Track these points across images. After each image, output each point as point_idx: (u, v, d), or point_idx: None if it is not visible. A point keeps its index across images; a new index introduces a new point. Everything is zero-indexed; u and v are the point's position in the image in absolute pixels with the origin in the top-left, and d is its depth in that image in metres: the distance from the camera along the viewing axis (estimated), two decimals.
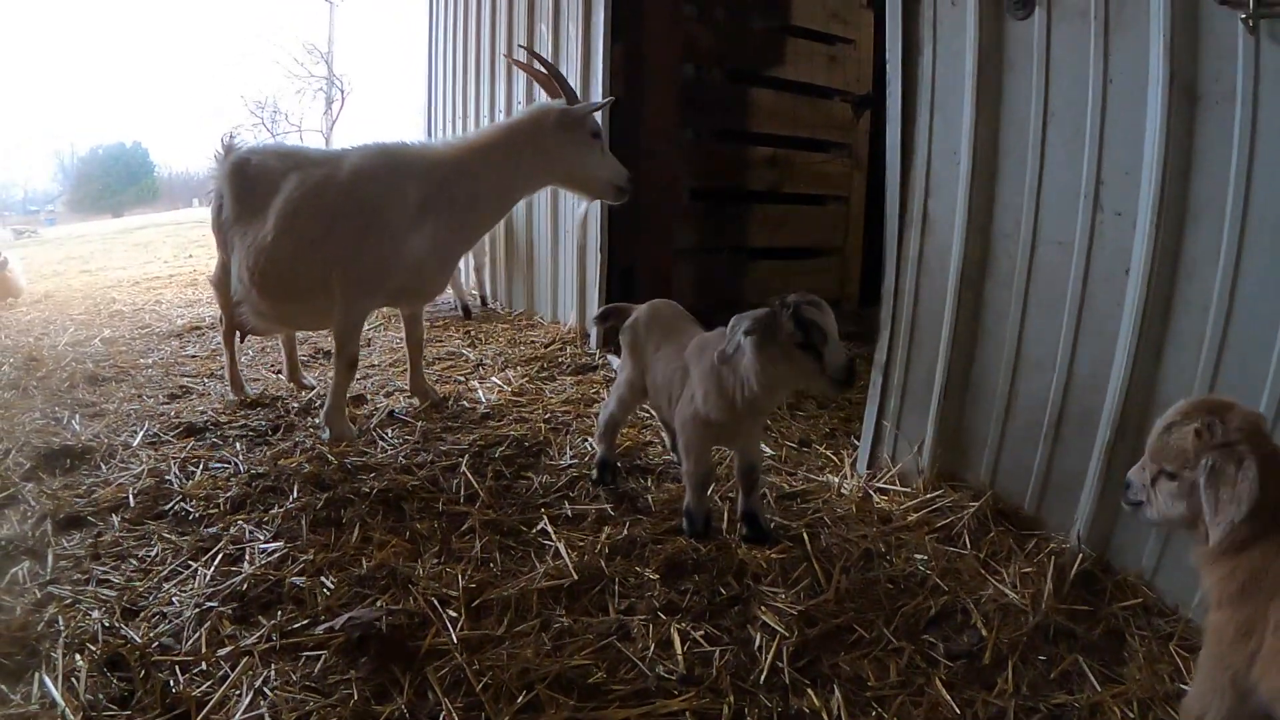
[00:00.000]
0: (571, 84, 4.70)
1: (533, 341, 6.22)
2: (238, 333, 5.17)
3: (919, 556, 3.08)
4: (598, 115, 4.36)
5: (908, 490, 3.60)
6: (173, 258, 16.37)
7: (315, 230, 4.31)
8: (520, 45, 5.16)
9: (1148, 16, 2.70)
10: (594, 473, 3.75)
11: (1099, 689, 2.39)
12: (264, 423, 4.72)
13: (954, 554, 3.11)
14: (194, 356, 6.66)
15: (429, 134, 10.36)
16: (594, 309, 5.86)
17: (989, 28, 3.25)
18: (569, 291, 6.51)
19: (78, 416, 5.02)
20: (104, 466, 4.19)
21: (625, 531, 3.27)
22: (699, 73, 6.52)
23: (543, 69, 4.62)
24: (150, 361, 6.47)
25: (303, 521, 3.38)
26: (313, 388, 5.38)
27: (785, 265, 7.19)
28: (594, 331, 3.87)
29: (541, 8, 6.93)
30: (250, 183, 4.60)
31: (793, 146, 7.23)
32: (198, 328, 7.79)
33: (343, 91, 35.04)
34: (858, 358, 2.81)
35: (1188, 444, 1.94)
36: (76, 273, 13.71)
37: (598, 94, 5.78)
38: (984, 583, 2.92)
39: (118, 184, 54.14)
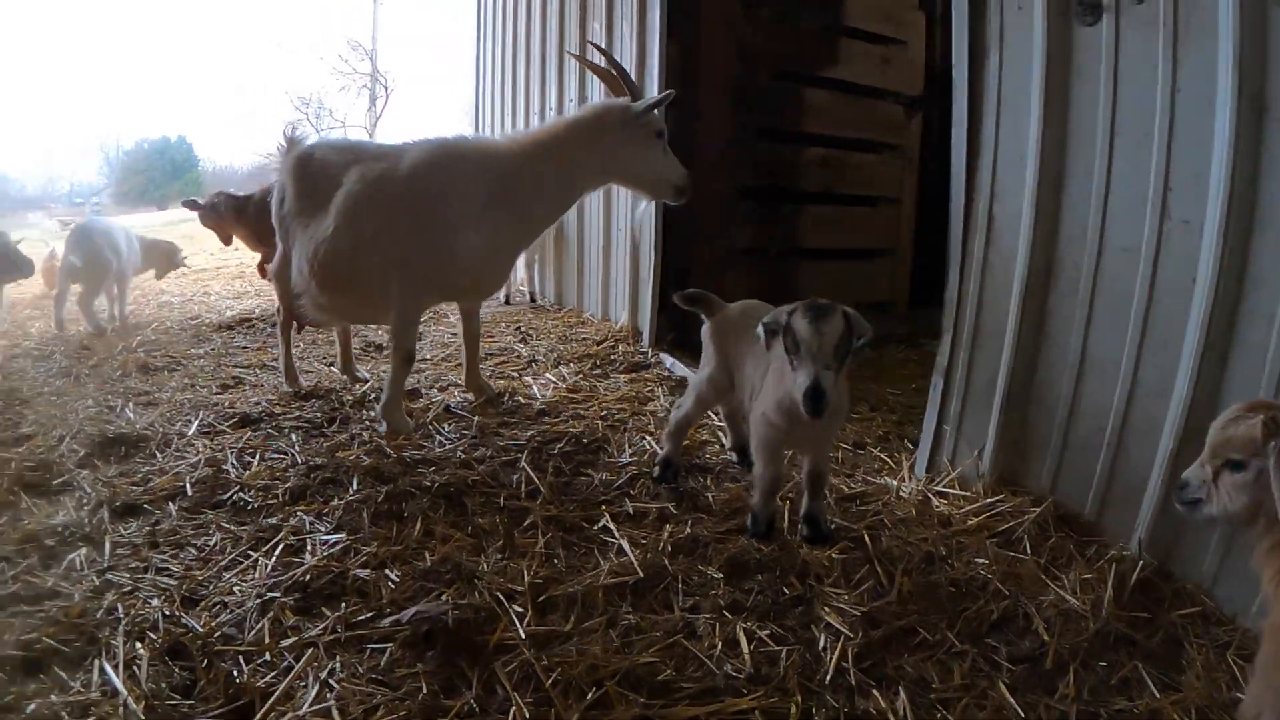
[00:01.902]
0: None
1: (584, 339, 6.23)
2: (294, 324, 5.22)
3: (980, 560, 3.05)
4: (660, 114, 4.32)
5: (967, 494, 3.56)
6: (219, 250, 16.49)
7: (375, 224, 4.33)
8: (590, 42, 5.13)
9: (1216, 27, 2.66)
10: (656, 470, 3.72)
11: (1158, 696, 2.37)
12: (319, 414, 4.74)
13: (1014, 559, 3.08)
14: (244, 348, 6.73)
15: (477, 130, 10.42)
16: (647, 308, 5.87)
17: (1057, 33, 3.21)
18: (621, 290, 6.52)
19: (131, 405, 5.07)
20: (159, 455, 4.21)
21: (688, 530, 3.25)
22: (751, 72, 6.50)
23: (608, 66, 4.61)
24: (202, 352, 6.54)
25: (364, 514, 3.38)
26: (366, 380, 5.40)
27: (837, 267, 7.15)
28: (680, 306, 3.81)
29: (594, 6, 6.95)
30: (313, 176, 4.64)
31: (845, 147, 7.19)
32: (247, 320, 7.88)
33: (387, 88, 35.19)
34: (823, 384, 2.71)
35: (1256, 433, 1.95)
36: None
37: (654, 93, 5.78)
38: (1045, 588, 2.89)
39: (162, 177, 54.83)
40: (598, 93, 6.84)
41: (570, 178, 4.41)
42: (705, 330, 3.60)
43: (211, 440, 4.40)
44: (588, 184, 4.59)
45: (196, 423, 4.64)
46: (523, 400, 4.86)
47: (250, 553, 3.16)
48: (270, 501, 3.56)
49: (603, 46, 6.45)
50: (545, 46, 8.05)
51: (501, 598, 2.78)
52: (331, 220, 4.41)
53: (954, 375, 3.75)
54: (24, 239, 7.33)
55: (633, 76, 5.81)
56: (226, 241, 8.41)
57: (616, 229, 6.62)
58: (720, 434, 4.22)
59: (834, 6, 7.05)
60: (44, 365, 6.58)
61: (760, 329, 2.89)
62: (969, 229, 3.64)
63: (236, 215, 8.45)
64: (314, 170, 4.66)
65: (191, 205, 8.50)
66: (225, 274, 12.32)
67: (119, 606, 2.81)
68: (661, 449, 3.82)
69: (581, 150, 4.32)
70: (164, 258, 9.29)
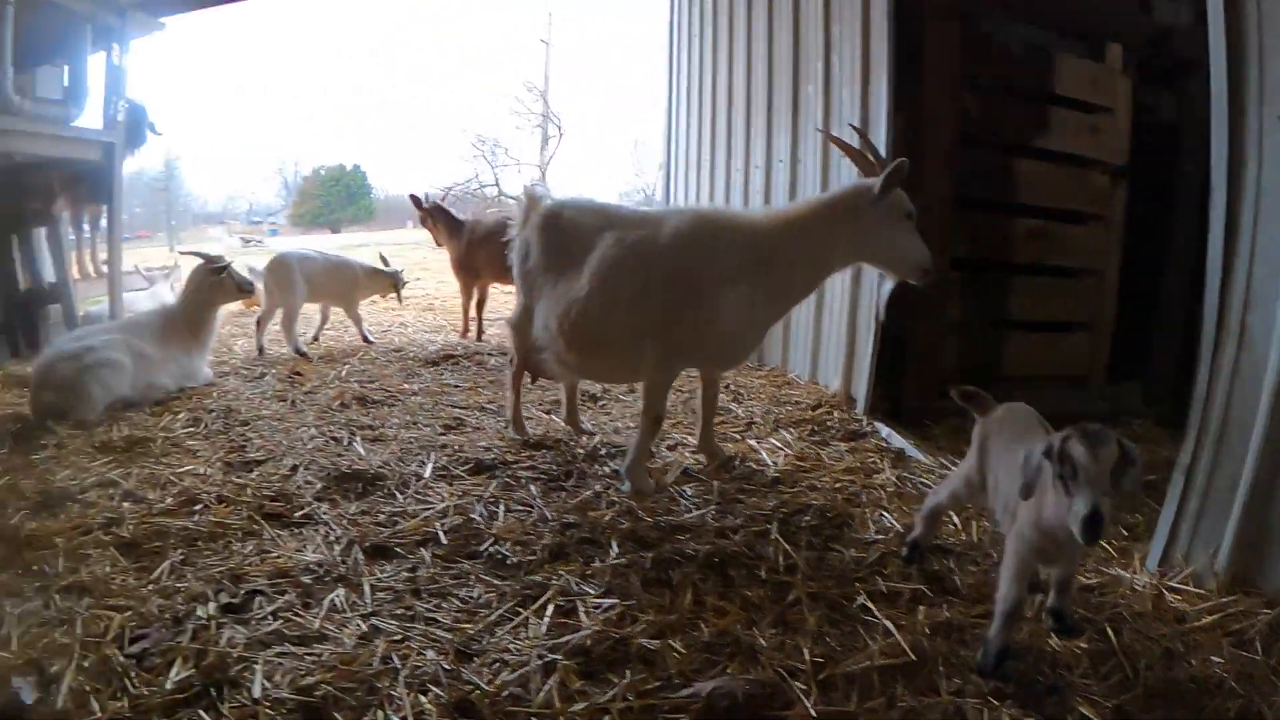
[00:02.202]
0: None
1: (796, 401, 6.26)
2: (527, 374, 5.42)
3: (1215, 659, 3.00)
4: (905, 196, 4.36)
5: (1200, 591, 3.49)
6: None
7: (632, 291, 4.46)
8: (850, 125, 5.19)
9: None
10: (904, 550, 3.72)
11: None
12: (554, 466, 4.86)
13: (1248, 659, 3.02)
14: (456, 386, 6.95)
15: (668, 187, 10.62)
16: (863, 377, 5.88)
17: None
18: (833, 354, 6.52)
19: (358, 439, 5.29)
20: (399, 495, 4.39)
21: (943, 613, 3.27)
22: (969, 142, 6.49)
23: (861, 146, 4.64)
24: (415, 389, 6.78)
25: (632, 579, 3.45)
26: (591, 433, 5.52)
27: (1040, 339, 7.07)
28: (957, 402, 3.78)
29: (808, 70, 7.02)
30: (561, 235, 4.80)
31: (1052, 218, 7.12)
32: (451, 357, 8.16)
33: (559, 128, 35.89)
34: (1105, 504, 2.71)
35: None
36: None
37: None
38: (1277, 689, 2.84)
39: (336, 202, 57.42)
40: (811, 150, 6.93)
41: (824, 256, 4.47)
42: (976, 429, 3.55)
43: (450, 485, 4.55)
44: (840, 262, 4.64)
45: (431, 465, 4.80)
46: (754, 466, 4.91)
47: (518, 609, 3.25)
48: (529, 557, 3.66)
49: (818, 111, 6.57)
50: (751, 105, 8.14)
51: (784, 674, 2.81)
52: (586, 282, 4.55)
53: (1195, 474, 3.67)
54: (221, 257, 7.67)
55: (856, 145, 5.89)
56: (439, 244, 9.86)
57: (830, 293, 6.61)
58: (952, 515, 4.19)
59: (1044, 74, 7.01)
60: (256, 387, 6.93)
61: (1038, 459, 2.87)
62: (1221, 334, 3.60)
63: (449, 233, 9.09)
64: (562, 229, 4.82)
65: (416, 202, 9.95)
66: (414, 305, 12.71)
67: (394, 656, 2.91)
68: (912, 530, 3.79)
69: (836, 229, 4.37)
70: (388, 283, 9.77)
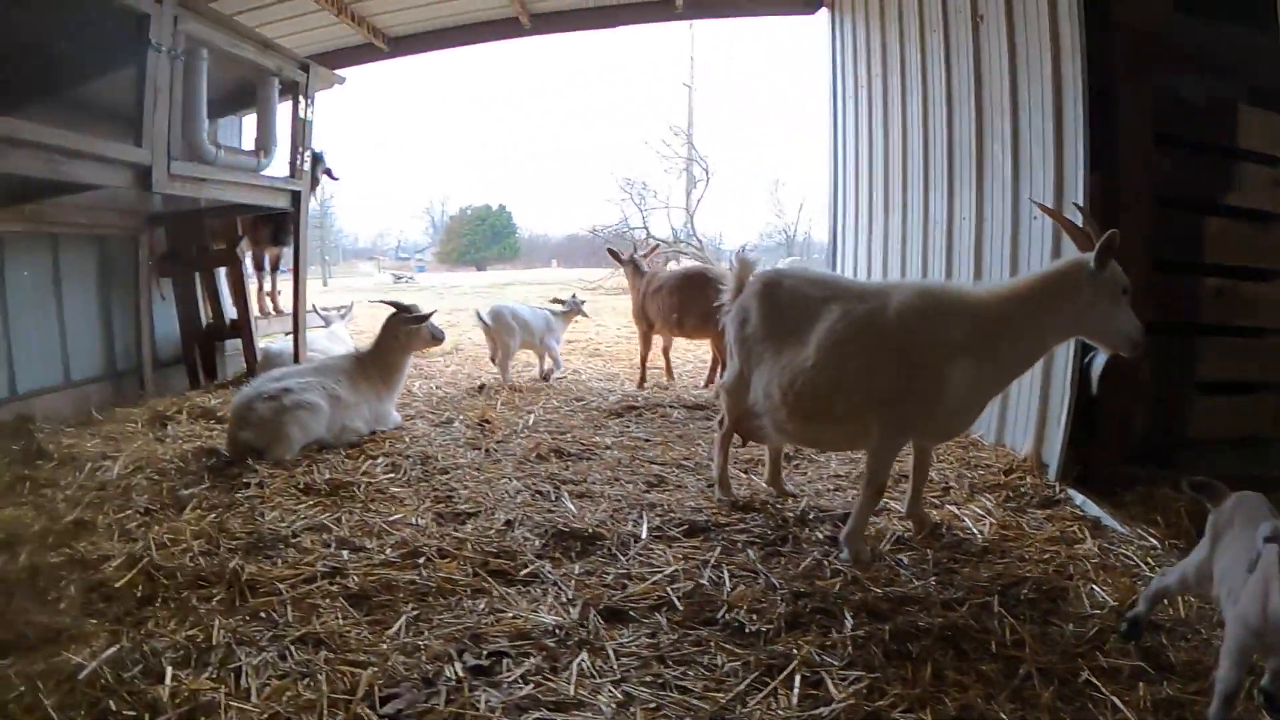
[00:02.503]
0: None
1: (987, 465, 6.23)
2: (736, 436, 5.49)
3: None
4: (1121, 271, 4.37)
5: None
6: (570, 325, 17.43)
7: (859, 364, 4.53)
8: (1075, 204, 5.16)
9: None
10: (1124, 626, 3.68)
11: None
12: (767, 530, 4.91)
13: None
14: (648, 440, 7.05)
15: (835, 241, 10.65)
16: (1056, 442, 5.81)
17: None
18: (1023, 418, 6.46)
19: (565, 494, 5.40)
20: (620, 556, 4.48)
21: (1164, 690, 3.25)
22: (1161, 202, 6.38)
23: (1084, 225, 4.61)
24: (608, 442, 6.90)
25: (874, 651, 3.48)
26: (795, 496, 5.56)
27: (1227, 401, 6.91)
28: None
29: (994, 128, 7.01)
30: (782, 304, 4.90)
31: (1238, 276, 6.96)
32: (633, 408, 8.25)
33: (706, 170, 36.13)
34: None
35: None
36: (471, 326, 14.70)
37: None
38: None
39: (482, 241, 58.95)
40: (998, 209, 6.89)
41: (1043, 331, 4.48)
42: (1210, 519, 3.48)
43: (669, 547, 4.63)
44: (1058, 337, 4.65)
45: (646, 525, 4.89)
46: (960, 534, 4.91)
47: (765, 679, 3.30)
48: (767, 626, 3.69)
49: (1005, 170, 6.53)
50: (929, 161, 8.17)
51: None
52: (811, 353, 4.63)
53: None
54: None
55: (1050, 205, 5.83)
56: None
57: None
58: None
59: (1229, 129, 6.86)
60: (446, 433, 7.11)
61: (1261, 546, 2.84)
62: None
63: (632, 283, 9.37)
64: (783, 298, 4.92)
65: (613, 254, 10.82)
66: (580, 349, 12.91)
67: None
68: (1133, 606, 3.75)
69: (1055, 305, 4.38)
70: (573, 314, 11.15)
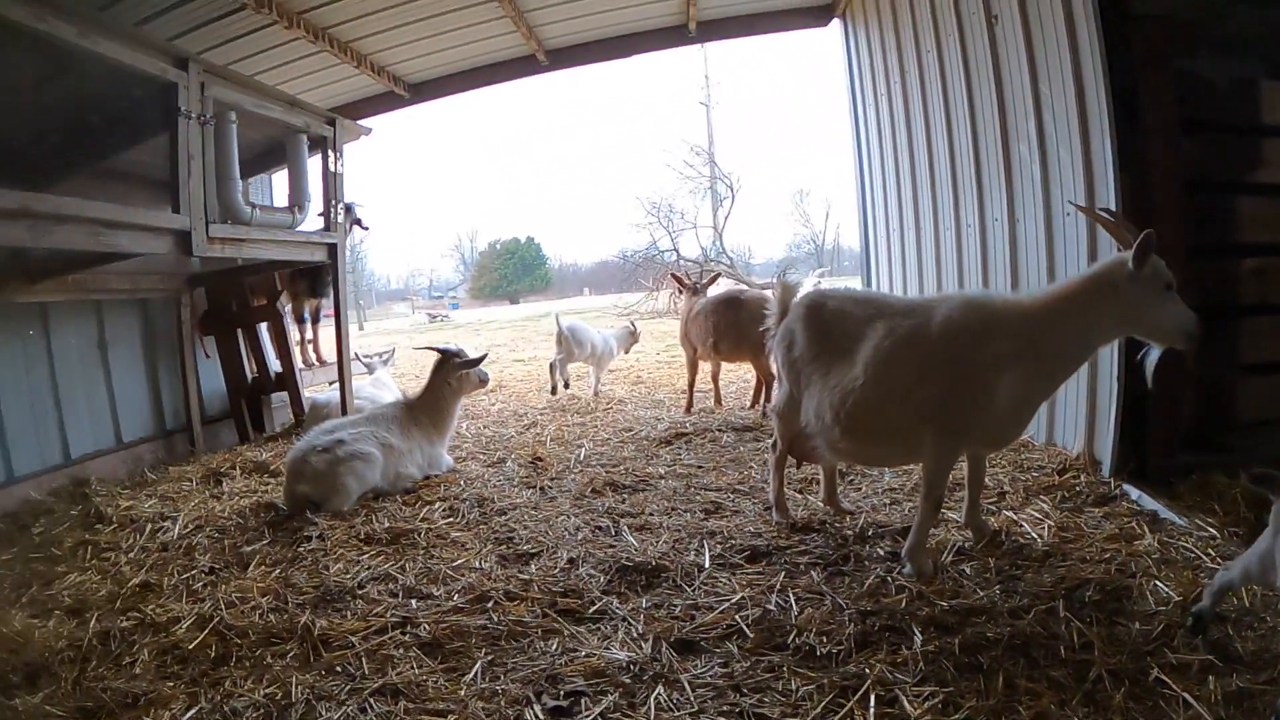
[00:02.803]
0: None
1: (1040, 466, 6.21)
2: (790, 458, 5.53)
3: None
4: (1164, 265, 4.35)
5: None
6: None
7: (908, 380, 4.56)
8: (1101, 208, 5.15)
9: None
10: (1189, 621, 3.69)
11: None
12: (828, 551, 4.93)
13: None
14: (700, 468, 7.06)
15: (866, 248, 10.66)
16: (1108, 438, 5.83)
17: None
18: (1072, 416, 6.46)
19: (625, 528, 5.45)
20: (686, 588, 4.50)
21: (1234, 682, 3.26)
22: (1190, 189, 6.36)
23: (1119, 224, 4.64)
24: (661, 471, 6.92)
25: (946, 665, 3.51)
26: (852, 513, 5.58)
27: (1271, 381, 6.86)
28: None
29: (1019, 129, 7.01)
30: (828, 325, 4.96)
31: (1273, 254, 6.92)
32: (682, 435, 8.28)
33: (731, 188, 36.24)
34: None
35: None
36: (510, 360, 14.84)
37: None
38: None
39: (513, 274, 59.51)
40: (1030, 209, 6.90)
41: (1089, 333, 4.47)
42: (1275, 509, 3.44)
43: (732, 574, 4.65)
44: (1104, 337, 4.64)
45: (708, 553, 4.92)
46: (1020, 540, 4.91)
47: (840, 701, 3.33)
48: (837, 648, 3.71)
49: (1035, 172, 6.53)
50: (956, 165, 8.19)
51: None
52: (861, 372, 4.67)
53: None
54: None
55: (1081, 198, 5.82)
56: None
57: None
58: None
59: (1254, 107, 6.83)
60: (499, 473, 7.17)
61: None
62: None
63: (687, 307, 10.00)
64: (828, 319, 4.97)
65: (678, 280, 11.38)
66: (623, 378, 13.01)
67: None
68: (1199, 601, 3.76)
69: (1098, 307, 4.37)
70: (630, 339, 12.80)
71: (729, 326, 9.21)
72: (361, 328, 36.67)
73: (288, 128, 8.34)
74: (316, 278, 10.52)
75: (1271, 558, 3.39)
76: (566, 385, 11.99)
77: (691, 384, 10.24)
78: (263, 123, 7.91)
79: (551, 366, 11.87)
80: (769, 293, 7.48)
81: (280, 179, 10.37)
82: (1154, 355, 4.56)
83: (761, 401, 9.46)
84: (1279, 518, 3.41)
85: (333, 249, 8.98)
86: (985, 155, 7.61)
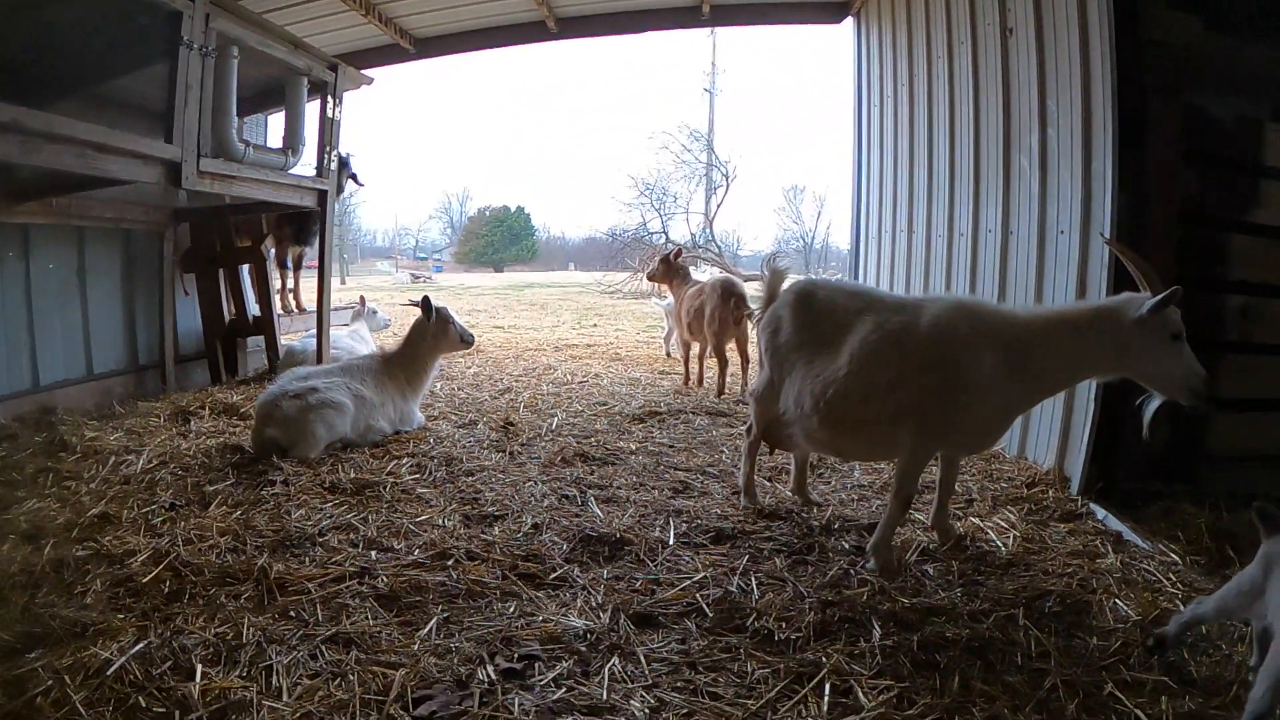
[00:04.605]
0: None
1: (1009, 478, 6.22)
2: (763, 445, 5.51)
3: None
4: (1177, 315, 4.22)
5: None
6: (577, 324, 17.49)
7: (891, 375, 4.53)
8: (1115, 243, 5.05)
9: None
10: (1151, 641, 3.67)
11: None
12: (793, 539, 4.92)
13: None
14: (671, 446, 7.06)
15: (857, 249, 10.65)
16: (1079, 457, 5.83)
17: None
18: (1045, 430, 6.47)
19: (592, 499, 5.44)
20: (649, 563, 4.50)
21: (1186, 704, 3.26)
22: (1186, 221, 6.38)
23: (1139, 258, 4.48)
24: (631, 448, 6.90)
25: (903, 661, 3.50)
26: (820, 505, 5.57)
27: (1245, 418, 6.90)
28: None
29: (1021, 142, 7.01)
30: (815, 314, 4.94)
31: (1260, 293, 6.96)
32: (655, 413, 8.27)
33: (727, 176, 36.17)
34: None
35: None
36: (489, 326, 14.79)
37: (1098, 246, 5.82)
38: None
39: (500, 242, 59.44)
40: (1025, 222, 6.90)
41: (1080, 363, 4.44)
42: (1262, 549, 3.38)
43: (696, 553, 4.65)
44: (1099, 371, 4.59)
45: (674, 531, 4.91)
46: (984, 546, 4.92)
47: (795, 687, 3.32)
48: (796, 635, 3.71)
49: (1034, 185, 6.52)
50: (955, 172, 8.18)
51: None
52: (845, 363, 4.65)
53: None
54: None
55: (1078, 229, 5.84)
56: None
57: None
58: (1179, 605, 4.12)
59: (1255, 146, 6.86)
60: (470, 434, 7.14)
61: None
62: None
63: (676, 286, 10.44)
64: (817, 308, 4.95)
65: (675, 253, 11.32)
66: (598, 354, 12.96)
67: None
68: (1164, 626, 3.73)
69: (1096, 339, 4.31)
70: None
71: (716, 311, 9.30)
72: (344, 282, 36.48)
73: (289, 69, 8.27)
74: (303, 225, 10.42)
75: (1254, 598, 3.35)
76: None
77: (686, 359, 10.52)
78: (264, 61, 7.84)
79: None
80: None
81: (276, 121, 10.27)
82: (1154, 404, 4.50)
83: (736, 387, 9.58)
84: (1269, 558, 3.34)
85: (323, 195, 8.91)
86: (985, 165, 7.61)
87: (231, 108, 7.23)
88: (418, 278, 39.17)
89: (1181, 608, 4.06)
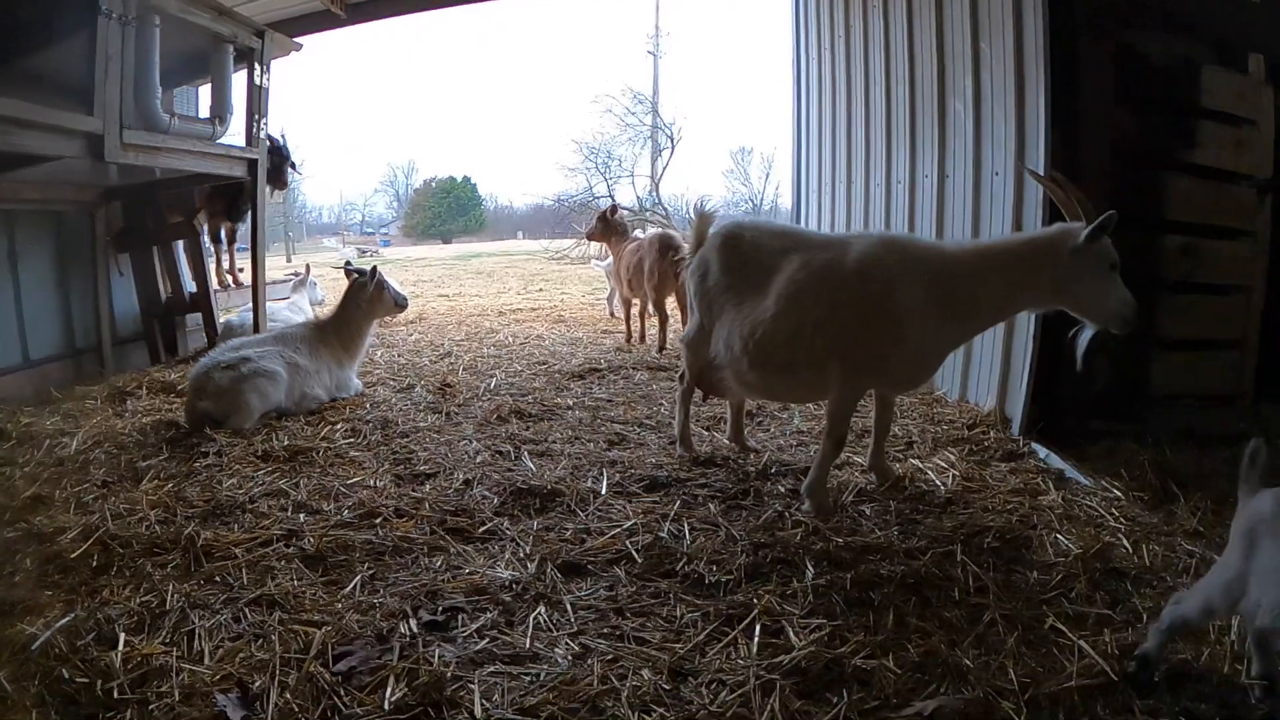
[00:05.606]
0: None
1: (950, 420, 6.22)
2: (697, 392, 5.45)
3: None
4: (1110, 245, 4.21)
5: None
6: (523, 289, 17.40)
7: (818, 313, 4.48)
8: (1051, 174, 4.97)
9: None
10: (1131, 665, 3.09)
11: None
12: (729, 485, 4.89)
13: None
14: (609, 400, 7.03)
15: (797, 201, 10.59)
16: (1019, 397, 5.83)
17: None
18: (985, 372, 6.47)
19: (525, 454, 5.38)
20: (580, 513, 4.45)
21: (1129, 636, 3.22)
22: (1120, 160, 6.37)
23: (1065, 193, 4.47)
24: (569, 403, 6.87)
25: (835, 600, 3.47)
26: (757, 451, 5.53)
27: (1185, 358, 6.93)
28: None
29: (956, 83, 6.96)
30: (743, 255, 4.87)
31: (1200, 234, 6.97)
32: (595, 370, 8.27)
33: (672, 139, 36.00)
34: None
35: None
36: (434, 296, 14.66)
37: (1033, 187, 5.80)
38: None
39: (448, 214, 59.11)
40: (960, 166, 6.86)
41: (1014, 294, 4.41)
42: (1237, 521, 3.00)
43: (629, 502, 4.60)
44: (1029, 303, 4.57)
45: (606, 482, 4.87)
46: (923, 486, 4.90)
47: (725, 629, 3.28)
48: (727, 577, 3.68)
49: (969, 127, 6.49)
50: (891, 120, 8.12)
51: (994, 694, 2.84)
52: (772, 303, 4.59)
53: None
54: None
55: (1011, 164, 5.81)
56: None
57: None
58: (1122, 539, 4.12)
59: (1192, 88, 6.86)
60: (407, 398, 7.07)
61: None
62: None
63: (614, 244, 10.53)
64: (744, 250, 4.89)
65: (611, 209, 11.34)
66: (543, 317, 12.89)
67: (611, 676, 2.96)
68: (1146, 645, 3.11)
69: (1031, 270, 4.28)
70: None
71: (653, 266, 9.33)
72: (289, 260, 36.05)
73: (214, 36, 8.07)
74: (235, 200, 10.20)
75: (1242, 584, 2.87)
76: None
77: (628, 317, 10.45)
78: (187, 29, 7.63)
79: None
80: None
81: (207, 93, 10.02)
82: (1087, 334, 4.48)
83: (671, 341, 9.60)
84: (1247, 536, 2.92)
85: (252, 164, 8.74)
86: (921, 111, 7.56)
87: (154, 78, 7.06)
88: (365, 253, 38.88)
89: (1125, 543, 4.04)
